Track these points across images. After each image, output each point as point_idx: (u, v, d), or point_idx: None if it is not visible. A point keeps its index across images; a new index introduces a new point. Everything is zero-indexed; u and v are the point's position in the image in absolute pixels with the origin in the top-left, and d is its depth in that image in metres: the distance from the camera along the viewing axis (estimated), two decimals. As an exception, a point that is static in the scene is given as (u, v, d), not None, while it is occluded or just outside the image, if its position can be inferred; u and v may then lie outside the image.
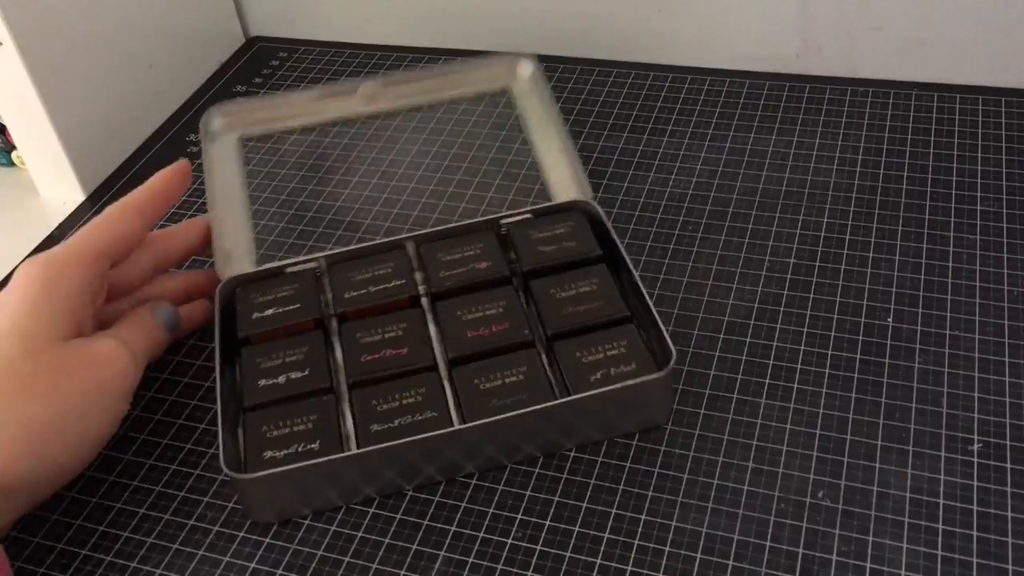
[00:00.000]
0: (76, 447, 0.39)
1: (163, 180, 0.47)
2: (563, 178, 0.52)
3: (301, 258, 0.48)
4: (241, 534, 0.41)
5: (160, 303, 0.46)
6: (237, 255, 0.48)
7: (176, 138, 0.65)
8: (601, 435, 0.42)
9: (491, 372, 0.42)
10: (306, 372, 0.43)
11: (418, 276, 0.48)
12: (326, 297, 0.48)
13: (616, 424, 0.42)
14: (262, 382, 0.43)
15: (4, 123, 0.60)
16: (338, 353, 0.46)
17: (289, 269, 0.48)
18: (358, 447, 0.40)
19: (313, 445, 0.40)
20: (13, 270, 0.55)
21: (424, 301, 0.47)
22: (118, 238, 0.44)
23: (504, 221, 0.49)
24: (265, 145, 0.57)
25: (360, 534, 0.40)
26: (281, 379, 0.43)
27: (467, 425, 0.40)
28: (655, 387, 0.41)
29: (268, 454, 0.40)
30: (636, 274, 0.45)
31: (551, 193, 0.51)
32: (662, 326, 0.42)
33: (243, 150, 0.55)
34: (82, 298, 0.41)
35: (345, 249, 0.48)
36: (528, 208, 0.50)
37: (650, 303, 0.43)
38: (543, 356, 0.44)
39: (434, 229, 0.49)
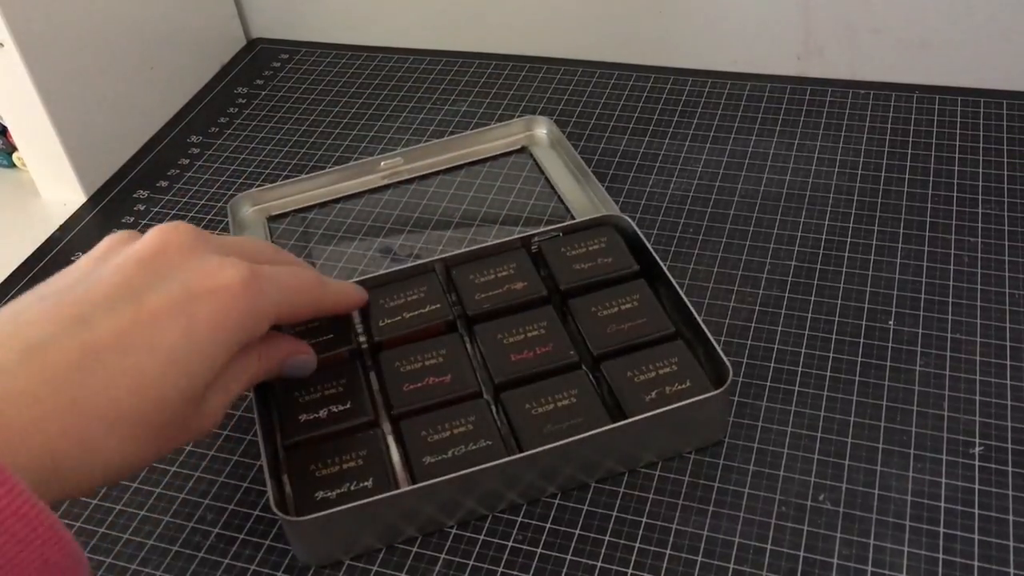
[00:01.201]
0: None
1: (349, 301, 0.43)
2: (593, 207, 0.53)
3: None
4: (241, 536, 0.40)
5: (306, 350, 0.41)
6: None
7: (177, 140, 0.65)
8: (657, 456, 0.41)
9: (541, 396, 0.41)
10: (348, 405, 0.41)
11: (451, 299, 0.46)
12: (357, 326, 0.47)
13: (674, 444, 0.41)
14: (303, 417, 0.41)
15: (5, 124, 0.60)
16: (374, 383, 0.44)
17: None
18: (412, 481, 0.39)
19: (366, 483, 0.39)
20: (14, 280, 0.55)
21: (459, 324, 0.46)
22: (296, 312, 0.38)
23: (535, 239, 0.48)
24: (287, 219, 0.57)
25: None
26: (323, 413, 0.41)
27: (535, 451, 0.38)
28: (713, 404, 0.40)
29: (320, 494, 0.38)
30: (680, 290, 0.44)
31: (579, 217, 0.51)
32: (713, 341, 0.41)
33: (269, 226, 0.56)
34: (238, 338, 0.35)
35: (373, 275, 0.47)
36: (560, 225, 0.49)
37: (698, 318, 0.42)
38: (591, 377, 0.43)
39: (464, 250, 0.48)
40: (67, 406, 0.29)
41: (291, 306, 0.37)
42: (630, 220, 0.48)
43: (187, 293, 0.33)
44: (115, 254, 0.34)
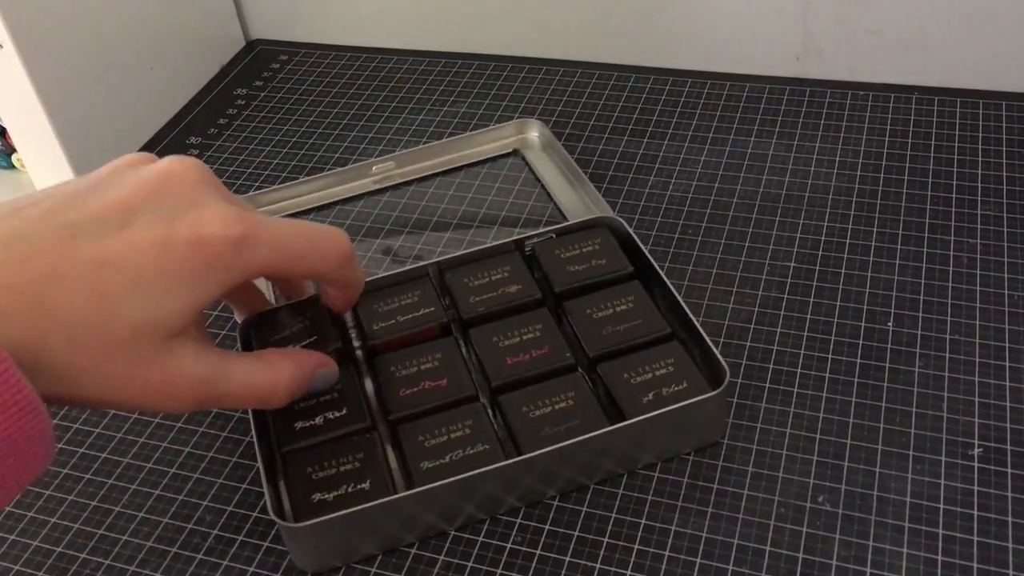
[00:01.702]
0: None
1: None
2: (586, 209, 0.53)
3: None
4: (240, 538, 0.40)
5: (325, 366, 0.40)
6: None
7: (177, 141, 0.65)
8: (656, 457, 0.41)
9: (538, 399, 0.41)
10: (343, 411, 0.41)
11: (445, 303, 0.46)
12: (351, 330, 0.47)
13: (672, 446, 0.41)
14: (299, 424, 0.41)
15: (4, 126, 0.60)
16: (369, 387, 0.44)
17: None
18: (411, 486, 0.39)
19: (363, 484, 0.39)
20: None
21: (454, 328, 0.46)
22: (293, 265, 0.37)
23: (528, 241, 0.48)
24: None
25: None
26: (318, 420, 0.41)
27: (534, 454, 0.38)
28: (711, 405, 0.40)
29: (317, 497, 0.38)
30: (676, 292, 0.44)
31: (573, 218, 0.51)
32: (710, 342, 0.41)
33: None
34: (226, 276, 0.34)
35: (367, 280, 0.46)
36: (553, 227, 0.49)
37: (694, 319, 0.42)
38: (587, 379, 0.43)
39: (458, 253, 0.48)
40: (32, 306, 0.30)
41: (281, 266, 0.37)
42: (623, 221, 0.48)
43: (171, 234, 0.33)
44: (125, 174, 0.35)
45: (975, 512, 0.38)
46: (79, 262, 0.31)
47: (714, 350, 0.41)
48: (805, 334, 0.46)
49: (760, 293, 0.48)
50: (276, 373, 0.38)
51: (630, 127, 0.61)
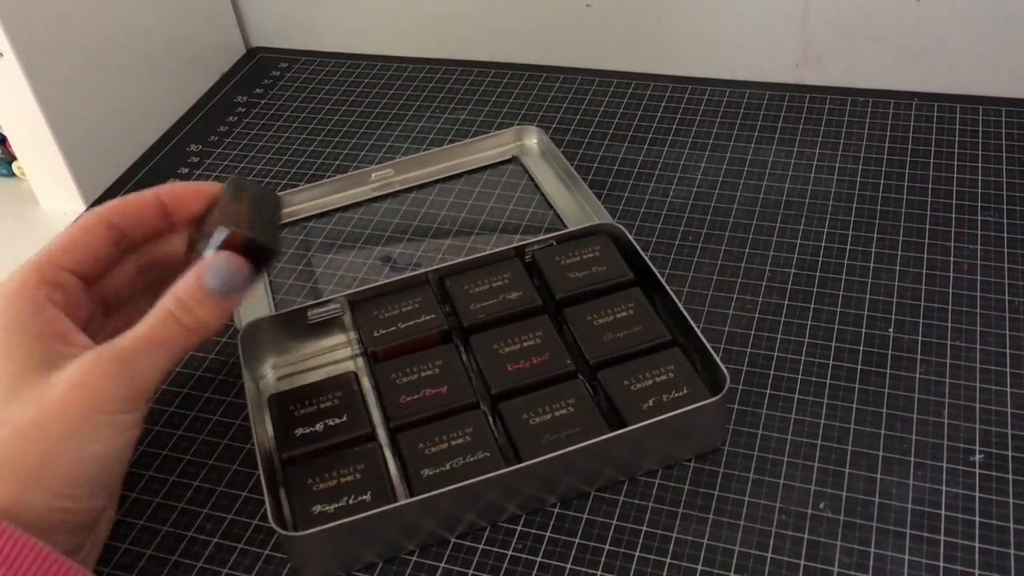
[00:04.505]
0: (75, 476, 0.35)
1: (139, 196, 0.43)
2: (585, 216, 0.52)
3: (322, 299, 0.47)
4: (240, 546, 0.40)
5: (210, 263, 0.39)
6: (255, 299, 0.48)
7: (177, 148, 0.65)
8: (656, 464, 0.41)
9: (539, 406, 0.41)
10: (344, 418, 0.41)
11: (445, 310, 0.46)
12: (351, 337, 0.47)
13: (672, 452, 0.41)
14: (299, 431, 0.41)
15: (5, 134, 0.61)
16: (370, 394, 0.44)
17: (311, 311, 0.46)
18: (411, 494, 0.38)
19: (364, 496, 0.38)
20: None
21: (454, 335, 0.46)
22: (73, 249, 0.40)
23: (529, 248, 0.48)
24: (281, 234, 0.56)
25: None
26: (319, 427, 0.41)
27: (534, 461, 0.38)
28: (712, 411, 0.40)
29: (318, 508, 0.38)
30: (676, 298, 0.44)
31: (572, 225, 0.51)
32: (710, 348, 0.41)
33: None
34: (39, 318, 0.37)
35: (367, 287, 0.47)
36: (554, 234, 0.48)
37: (694, 325, 0.42)
38: (588, 386, 0.42)
39: (457, 260, 0.48)
40: None
41: (63, 251, 0.40)
42: (623, 228, 0.48)
43: None
44: None
45: (976, 518, 0.38)
46: None
47: (714, 356, 0.41)
48: (806, 340, 0.46)
49: (760, 299, 0.48)
50: (161, 301, 0.38)
51: (630, 134, 0.61)
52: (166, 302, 0.38)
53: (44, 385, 0.35)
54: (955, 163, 0.55)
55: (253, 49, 0.75)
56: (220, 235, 0.39)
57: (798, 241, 0.51)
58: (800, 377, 0.44)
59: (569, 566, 0.38)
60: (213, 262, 0.39)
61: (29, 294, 0.38)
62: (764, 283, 0.49)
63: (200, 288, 0.38)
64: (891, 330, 0.46)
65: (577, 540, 0.39)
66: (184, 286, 0.38)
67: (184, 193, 0.43)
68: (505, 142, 0.60)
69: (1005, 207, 0.52)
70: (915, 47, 0.60)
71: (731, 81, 0.64)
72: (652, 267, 0.46)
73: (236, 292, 0.39)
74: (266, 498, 0.38)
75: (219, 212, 0.40)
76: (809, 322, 0.47)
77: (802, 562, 0.37)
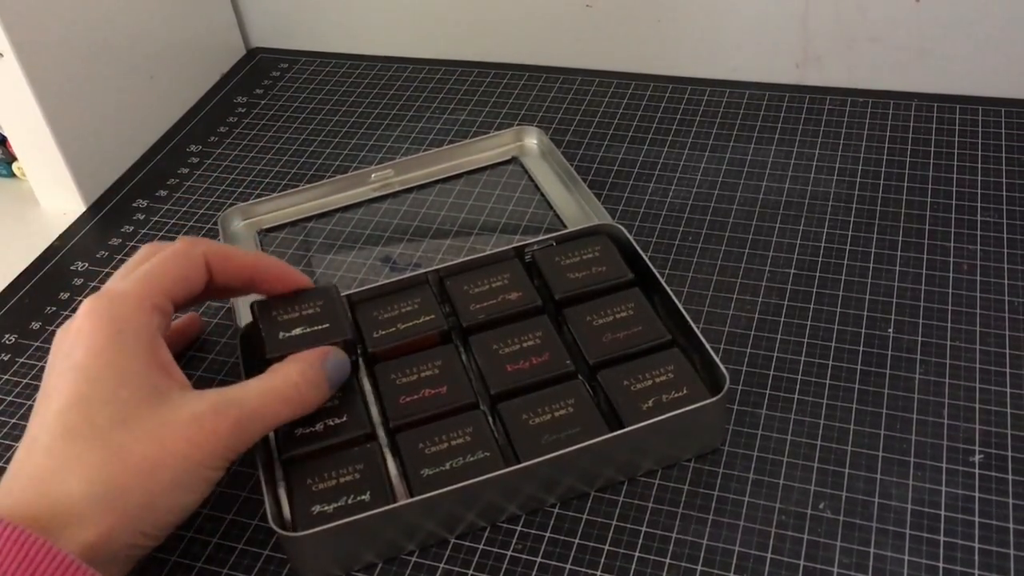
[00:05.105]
0: (167, 522, 0.36)
1: (243, 255, 0.43)
2: (585, 216, 0.52)
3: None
4: (240, 546, 0.40)
5: (334, 352, 0.41)
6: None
7: (177, 149, 0.65)
8: (656, 464, 0.41)
9: (538, 407, 0.41)
10: (344, 418, 0.41)
11: (445, 310, 0.46)
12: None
13: (672, 452, 0.41)
14: (299, 431, 0.41)
15: (5, 134, 0.61)
16: (369, 395, 0.44)
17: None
18: (411, 494, 0.38)
19: (364, 496, 0.38)
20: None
21: (454, 335, 0.46)
22: (183, 282, 0.40)
23: (528, 249, 0.48)
24: (283, 230, 0.57)
25: None
26: (318, 426, 0.41)
27: (534, 461, 0.38)
28: (711, 411, 0.40)
29: (317, 508, 0.38)
30: (676, 298, 0.44)
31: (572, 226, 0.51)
32: (710, 348, 0.41)
33: (261, 240, 0.56)
34: (153, 346, 0.37)
35: (367, 288, 0.47)
36: (553, 235, 0.48)
37: (694, 325, 0.42)
38: (587, 386, 0.42)
39: (457, 261, 0.48)
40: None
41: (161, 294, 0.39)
42: (623, 228, 0.48)
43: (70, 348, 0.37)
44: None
45: (976, 519, 0.38)
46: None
47: (714, 357, 0.41)
48: (805, 340, 0.46)
49: (760, 300, 0.48)
50: (285, 372, 0.39)
51: (630, 134, 0.61)
52: (291, 375, 0.39)
53: (152, 419, 0.35)
54: (955, 163, 0.56)
55: (253, 49, 0.75)
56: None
57: (798, 241, 0.52)
58: (800, 377, 0.44)
59: (569, 566, 0.38)
60: (334, 352, 0.41)
61: (145, 319, 0.38)
62: (764, 283, 0.49)
63: (323, 370, 0.40)
64: (891, 330, 0.46)
65: (577, 540, 0.39)
66: (310, 366, 0.39)
67: (278, 273, 0.44)
68: (505, 142, 0.60)
69: (1005, 207, 0.52)
70: (915, 48, 0.60)
71: (731, 82, 0.64)
72: (652, 267, 0.46)
73: (337, 386, 0.41)
74: (266, 498, 0.38)
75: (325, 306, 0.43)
76: (809, 322, 0.47)
77: (802, 562, 0.37)
